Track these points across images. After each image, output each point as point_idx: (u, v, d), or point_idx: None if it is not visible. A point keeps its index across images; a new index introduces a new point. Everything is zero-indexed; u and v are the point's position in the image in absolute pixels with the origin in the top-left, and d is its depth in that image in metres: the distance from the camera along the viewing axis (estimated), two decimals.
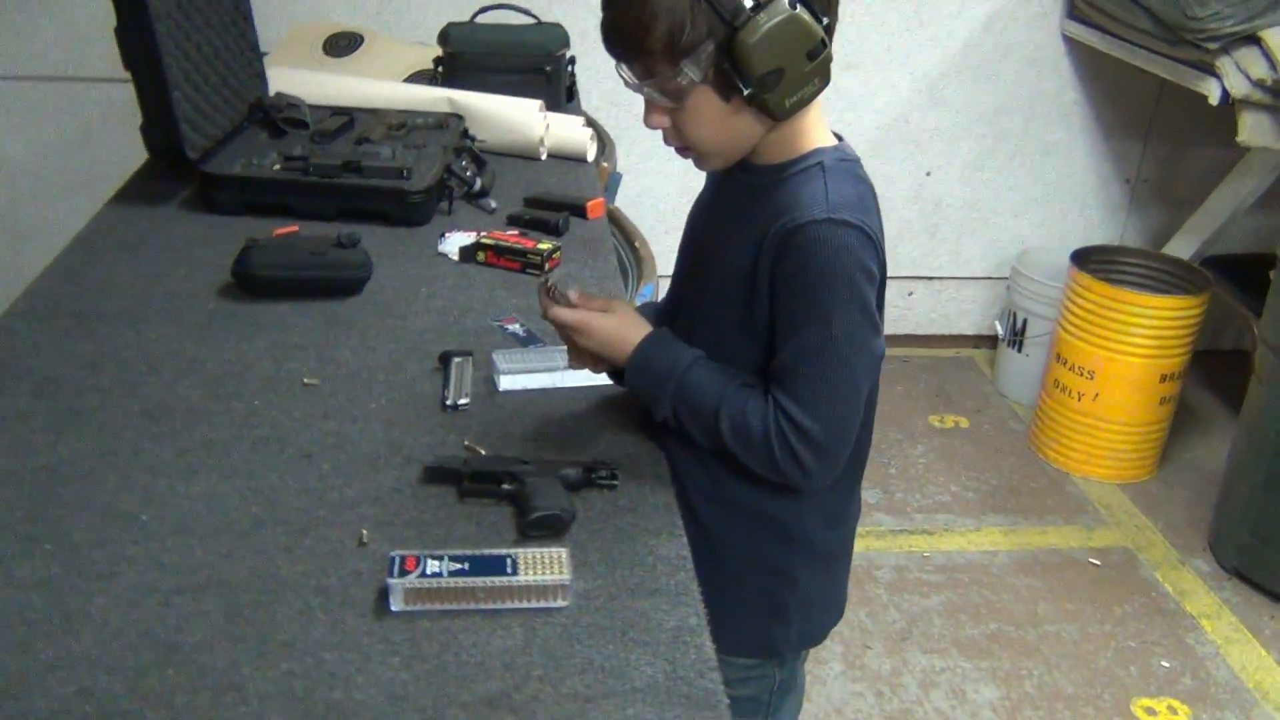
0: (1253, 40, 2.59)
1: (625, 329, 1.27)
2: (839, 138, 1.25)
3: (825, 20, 1.11)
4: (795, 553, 1.36)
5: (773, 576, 1.36)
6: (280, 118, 2.09)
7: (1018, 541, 2.86)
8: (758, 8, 1.07)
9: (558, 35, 2.49)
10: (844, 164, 1.21)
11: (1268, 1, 2.56)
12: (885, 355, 1.25)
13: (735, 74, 1.10)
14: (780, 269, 1.18)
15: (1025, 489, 3.09)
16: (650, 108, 1.18)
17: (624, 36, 1.12)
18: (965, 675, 2.39)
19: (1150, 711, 2.32)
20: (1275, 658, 2.49)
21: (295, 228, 1.77)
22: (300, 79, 2.34)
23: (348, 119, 2.15)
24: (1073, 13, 3.37)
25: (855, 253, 1.16)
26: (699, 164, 1.25)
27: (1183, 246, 3.34)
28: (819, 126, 1.22)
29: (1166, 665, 2.45)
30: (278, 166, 1.92)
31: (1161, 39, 2.84)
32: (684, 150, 1.22)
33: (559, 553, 1.07)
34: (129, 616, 1.00)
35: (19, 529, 1.10)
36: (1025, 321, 3.44)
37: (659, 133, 1.21)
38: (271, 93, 2.22)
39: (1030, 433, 3.30)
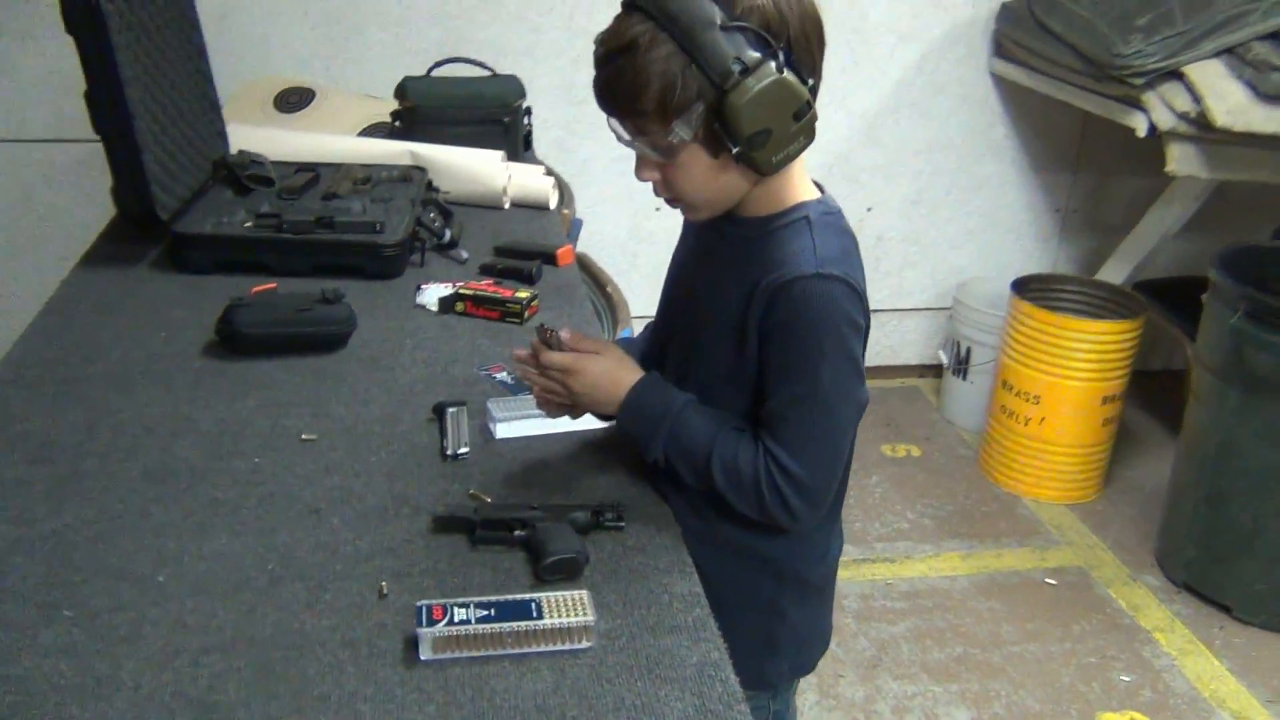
0: (1176, 75, 2.72)
1: (617, 372, 1.32)
2: (820, 189, 1.30)
3: (810, 82, 1.15)
4: (785, 588, 1.40)
5: (765, 612, 1.40)
6: (245, 175, 2.10)
7: (976, 565, 2.93)
8: (746, 72, 1.10)
9: (514, 87, 2.54)
10: (828, 217, 1.25)
11: (1188, 39, 2.70)
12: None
13: (724, 134, 1.13)
14: (770, 321, 1.22)
15: (979, 513, 3.18)
16: (641, 162, 1.22)
17: (618, 96, 1.16)
18: (937, 699, 2.44)
19: None
20: (1227, 667, 2.59)
21: (274, 285, 1.78)
22: (260, 136, 2.35)
23: (313, 175, 2.16)
24: (999, 51, 3.51)
25: (842, 306, 1.21)
26: (687, 214, 1.30)
27: (1115, 272, 3.47)
28: (803, 180, 1.27)
29: (1126, 679, 2.53)
30: (249, 224, 1.93)
31: (1088, 75, 2.98)
32: (673, 201, 1.26)
33: (581, 594, 1.09)
34: (160, 678, 1.00)
35: (36, 597, 1.10)
36: (969, 350, 3.54)
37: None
38: (233, 151, 2.24)
39: (980, 458, 3.39)
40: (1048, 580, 2.88)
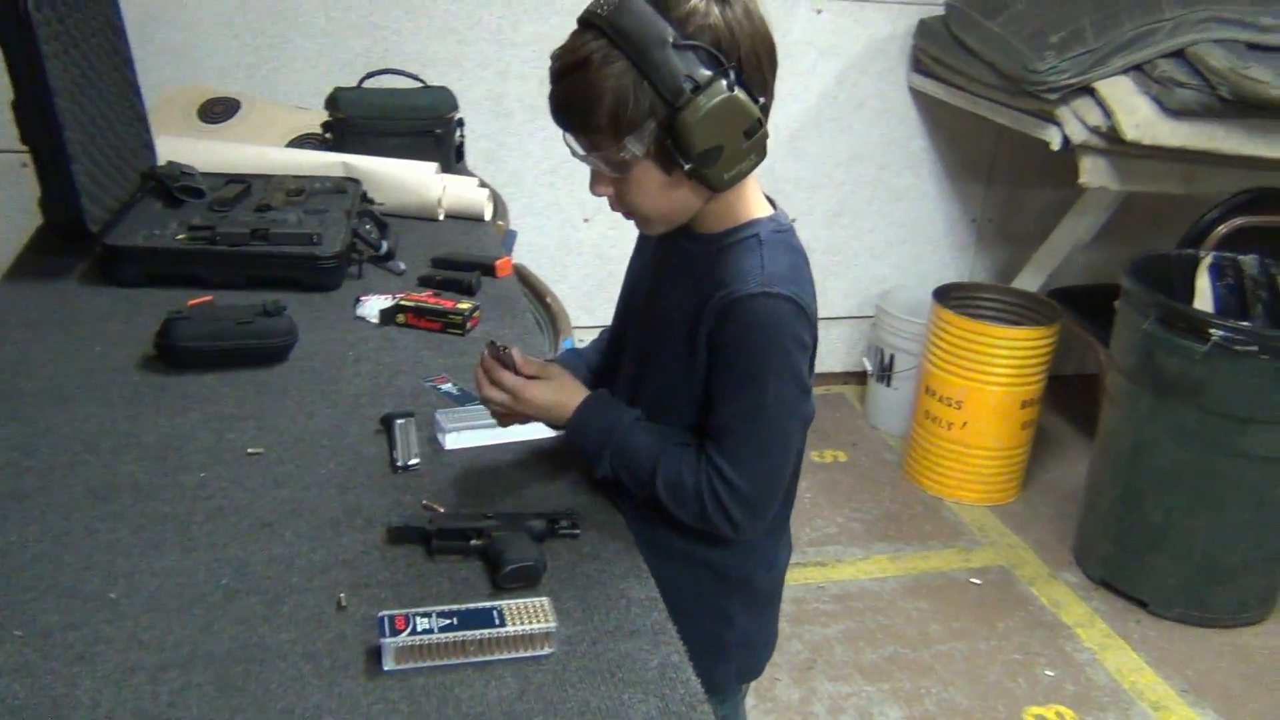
0: (1088, 91, 2.83)
1: (563, 395, 1.34)
2: (773, 204, 1.32)
3: (761, 100, 1.17)
4: (733, 595, 1.42)
5: (713, 618, 1.42)
6: (176, 187, 2.07)
7: (904, 567, 3.00)
8: (698, 89, 1.11)
9: (446, 98, 2.54)
10: (778, 235, 1.27)
11: (1098, 57, 2.81)
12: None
13: (676, 150, 1.14)
14: (718, 338, 1.25)
15: (905, 516, 3.25)
16: (595, 177, 1.23)
17: (571, 112, 1.18)
18: (870, 699, 2.49)
19: (1040, 719, 2.47)
20: (1145, 659, 2.69)
21: (210, 298, 1.76)
22: (187, 147, 2.32)
23: (244, 186, 2.14)
24: (917, 66, 3.61)
25: (789, 324, 1.23)
26: (642, 228, 1.32)
27: (1030, 280, 3.59)
28: (756, 196, 1.29)
29: (1050, 674, 2.62)
30: (182, 236, 1.91)
31: (1004, 90, 3.08)
32: (628, 215, 1.28)
33: (542, 601, 1.11)
34: (118, 697, 0.99)
35: None
36: (892, 357, 3.62)
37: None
38: (161, 162, 2.20)
39: (904, 462, 3.47)
40: (973, 580, 2.96)
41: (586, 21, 1.14)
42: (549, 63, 1.18)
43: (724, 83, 1.12)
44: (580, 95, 1.15)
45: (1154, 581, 2.84)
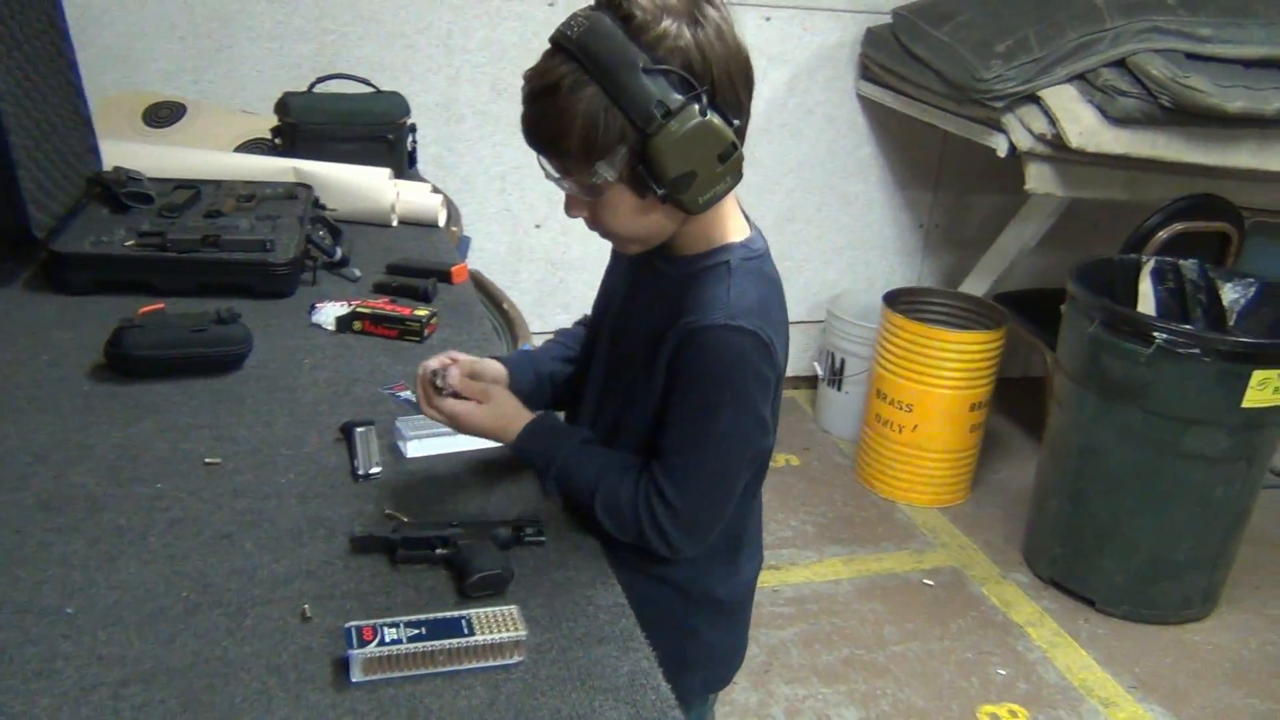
0: (1033, 99, 2.88)
1: (503, 419, 1.32)
2: (750, 224, 1.31)
3: (736, 123, 1.14)
4: (695, 608, 1.42)
5: (676, 631, 1.40)
6: (124, 193, 2.03)
7: (857, 569, 3.03)
8: (669, 115, 1.09)
9: (398, 104, 2.52)
10: (750, 263, 1.25)
11: (1043, 65, 2.86)
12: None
13: (648, 176, 1.13)
14: (677, 364, 1.23)
15: (858, 519, 3.28)
16: (569, 199, 1.21)
17: (542, 137, 1.16)
18: (827, 701, 2.51)
19: (994, 717, 2.50)
20: (1093, 657, 2.73)
21: (161, 305, 1.73)
22: (134, 151, 2.28)
23: (194, 192, 2.10)
24: (865, 74, 3.65)
25: (750, 359, 1.21)
26: (619, 248, 1.31)
27: (976, 285, 3.64)
28: (733, 217, 1.27)
29: (1002, 673, 2.65)
30: (131, 242, 1.87)
31: (951, 98, 3.12)
32: (604, 235, 1.26)
33: (511, 610, 1.10)
34: (79, 714, 0.96)
35: None
36: (843, 361, 3.66)
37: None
38: (107, 167, 2.16)
39: (856, 466, 3.50)
40: (925, 581, 2.99)
41: (557, 43, 1.13)
42: (511, 77, 1.17)
43: (696, 107, 1.10)
44: (550, 121, 1.13)
45: (1101, 580, 2.90)
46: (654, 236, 1.25)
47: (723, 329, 1.20)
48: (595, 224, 1.24)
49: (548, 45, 1.15)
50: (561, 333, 1.56)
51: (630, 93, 1.09)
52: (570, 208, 1.22)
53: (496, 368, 1.40)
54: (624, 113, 1.10)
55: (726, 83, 1.13)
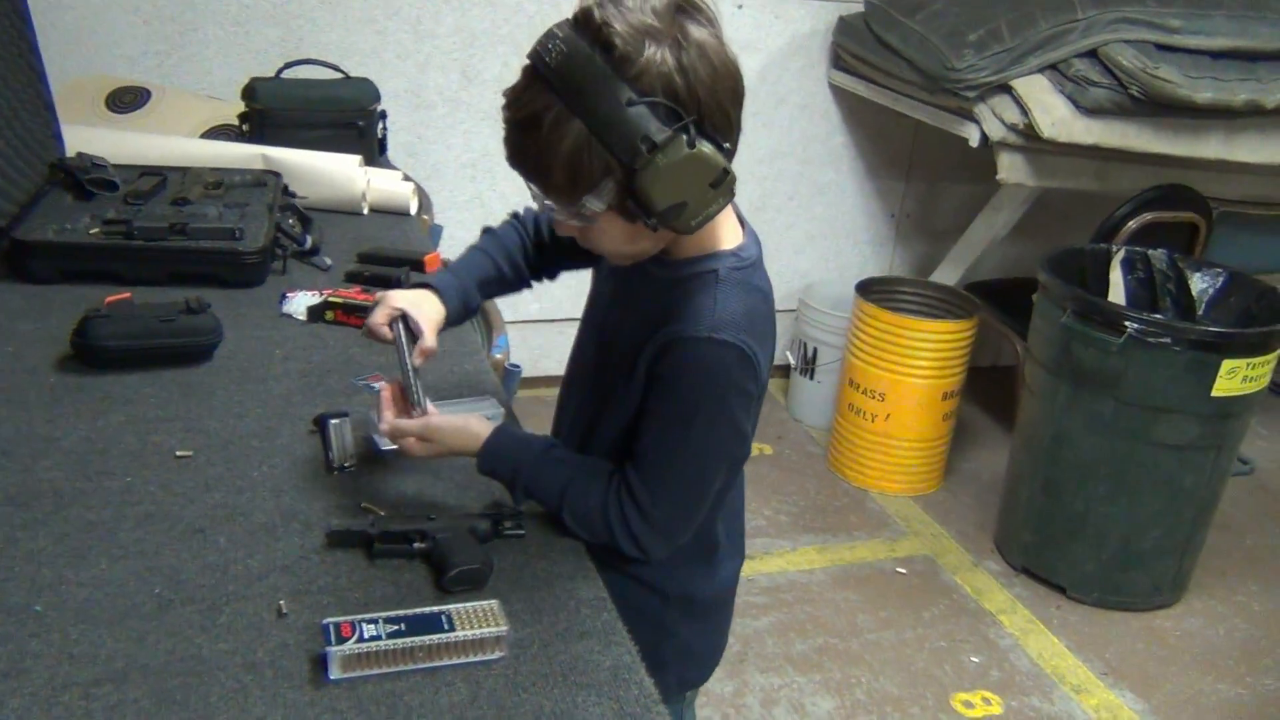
0: (1005, 89, 2.88)
1: (463, 438, 1.28)
2: (745, 227, 1.28)
3: (727, 145, 1.10)
4: (671, 607, 1.41)
5: (653, 630, 1.36)
6: (88, 180, 1.99)
7: (831, 558, 3.03)
8: (654, 149, 1.05)
9: (368, 90, 2.48)
10: (739, 273, 1.22)
11: (1015, 55, 2.86)
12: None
13: (637, 208, 1.09)
14: (656, 371, 1.22)
15: (830, 508, 3.28)
16: (558, 220, 1.19)
17: (526, 166, 1.12)
18: (802, 690, 2.51)
19: (968, 704, 2.51)
20: (1065, 644, 2.75)
21: (128, 294, 1.69)
22: (97, 137, 2.23)
23: (160, 179, 2.07)
24: (838, 63, 3.64)
25: (731, 373, 1.19)
26: (613, 262, 1.28)
27: (948, 274, 3.65)
28: (727, 223, 1.24)
29: (975, 660, 2.66)
30: (95, 230, 1.83)
31: (923, 88, 3.12)
32: (596, 253, 1.24)
33: (491, 605, 1.08)
34: (50, 714, 0.94)
35: None
36: (815, 350, 3.66)
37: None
38: (70, 153, 2.11)
39: (829, 455, 3.51)
40: (898, 569, 3.00)
41: (534, 70, 1.08)
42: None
43: (684, 138, 1.05)
44: (533, 155, 1.10)
45: (1072, 568, 2.91)
46: (646, 253, 1.23)
47: (706, 341, 1.17)
48: (586, 243, 1.21)
49: (526, 63, 1.10)
50: (487, 234, 1.54)
51: (614, 127, 1.04)
52: (560, 227, 1.20)
53: (434, 317, 1.36)
54: (609, 149, 1.06)
55: (714, 105, 1.08)
